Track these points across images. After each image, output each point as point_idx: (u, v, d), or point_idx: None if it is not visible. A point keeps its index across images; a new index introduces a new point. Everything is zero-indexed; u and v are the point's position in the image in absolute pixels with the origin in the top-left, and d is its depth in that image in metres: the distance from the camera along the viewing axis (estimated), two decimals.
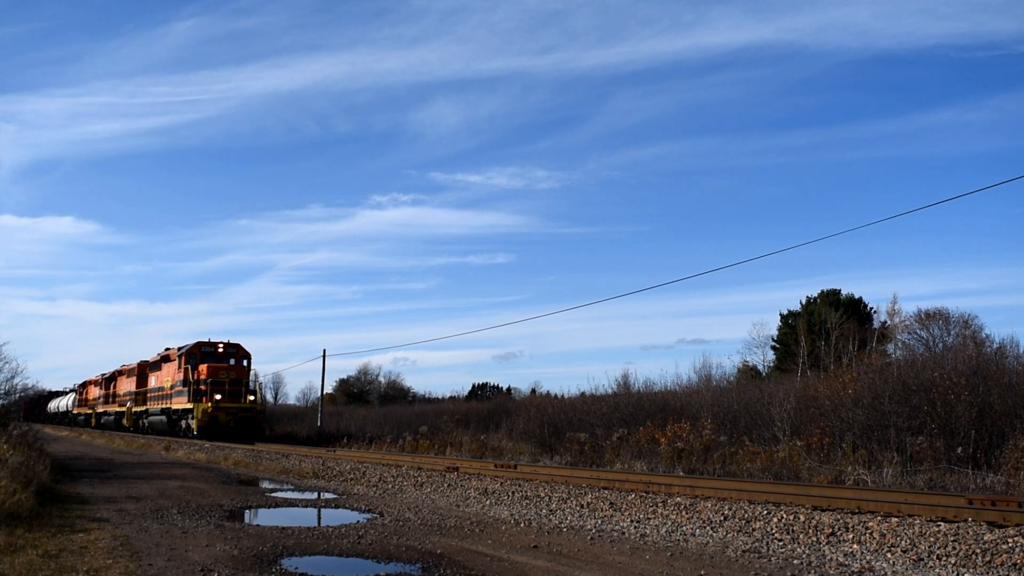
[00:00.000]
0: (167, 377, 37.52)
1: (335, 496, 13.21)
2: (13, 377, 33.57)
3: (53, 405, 73.64)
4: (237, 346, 34.87)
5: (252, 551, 8.02)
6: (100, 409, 51.61)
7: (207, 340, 34.43)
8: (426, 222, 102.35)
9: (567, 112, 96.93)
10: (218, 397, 31.46)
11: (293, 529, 9.65)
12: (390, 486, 14.23)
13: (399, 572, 7.31)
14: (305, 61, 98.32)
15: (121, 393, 47.39)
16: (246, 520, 10.54)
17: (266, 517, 10.92)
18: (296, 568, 7.43)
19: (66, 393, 71.66)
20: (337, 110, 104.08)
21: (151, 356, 42.24)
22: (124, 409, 44.91)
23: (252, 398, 32.90)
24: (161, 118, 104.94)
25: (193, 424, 31.72)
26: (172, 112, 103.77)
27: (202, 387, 32.16)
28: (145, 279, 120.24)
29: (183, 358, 34.33)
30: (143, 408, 41.34)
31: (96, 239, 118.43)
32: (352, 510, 11.46)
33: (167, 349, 38.82)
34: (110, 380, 50.41)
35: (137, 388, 43.29)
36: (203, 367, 32.62)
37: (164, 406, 36.90)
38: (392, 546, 8.37)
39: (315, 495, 13.55)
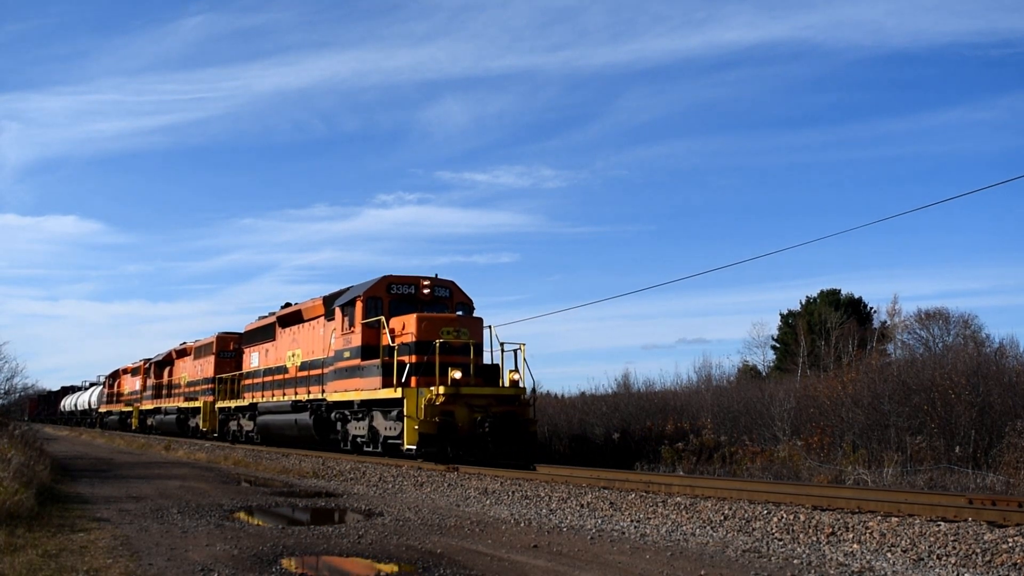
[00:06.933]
0: (294, 348, 23.02)
1: (335, 496, 13.21)
2: (13, 377, 33.60)
3: (68, 403, 63.05)
4: (451, 285, 19.68)
5: (252, 551, 8.03)
6: (147, 406, 39.55)
7: (393, 275, 19.27)
8: (431, 221, 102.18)
9: (576, 110, 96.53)
10: (457, 376, 16.45)
11: (293, 529, 9.65)
12: (390, 486, 14.23)
13: (399, 572, 7.31)
14: (313, 59, 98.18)
15: (184, 383, 34.31)
16: (246, 520, 10.54)
17: (266, 517, 10.92)
18: (296, 568, 7.44)
19: (84, 388, 59.81)
20: (344, 108, 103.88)
21: (244, 325, 27.91)
22: (197, 404, 31.76)
23: (516, 378, 17.49)
24: (167, 116, 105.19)
25: (402, 429, 16.61)
26: (178, 110, 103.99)
27: (409, 358, 17.00)
28: (148, 279, 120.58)
29: (356, 306, 18.90)
30: (236, 403, 27.42)
31: (99, 238, 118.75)
32: (352, 510, 11.45)
33: (287, 304, 24.66)
34: (162, 365, 38.19)
35: (218, 373, 29.87)
36: (407, 320, 17.62)
37: (298, 397, 21.91)
38: (392, 546, 8.37)
39: (315, 495, 13.54)
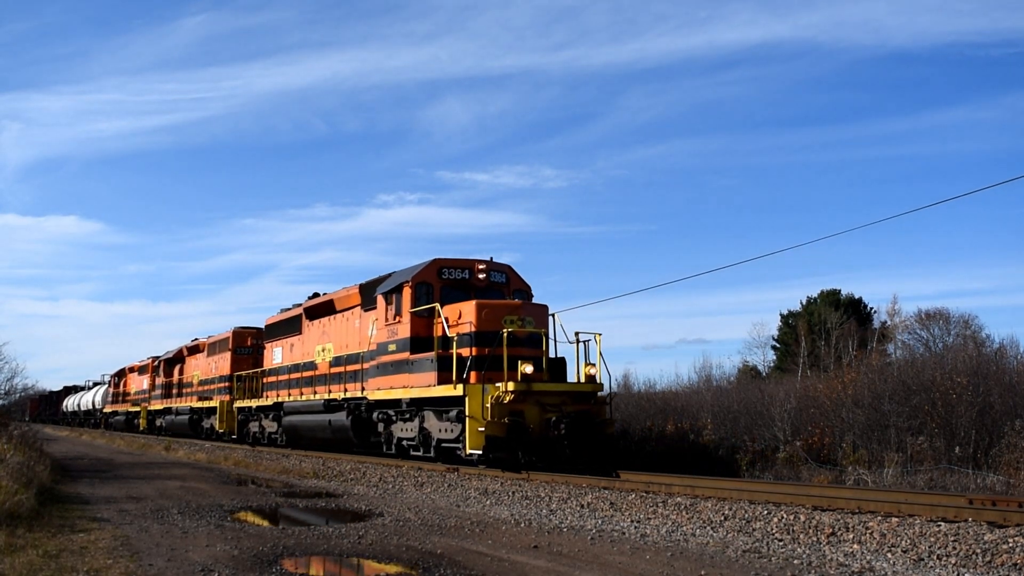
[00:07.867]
0: (324, 342, 21.20)
1: (335, 496, 13.21)
2: (13, 377, 33.57)
3: (71, 403, 61.40)
4: (507, 270, 17.65)
5: (252, 551, 8.03)
6: (156, 406, 38.03)
7: (444, 258, 17.05)
8: (432, 221, 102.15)
9: (577, 110, 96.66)
10: (528, 370, 14.50)
11: (293, 529, 9.65)
12: (390, 486, 14.23)
13: (399, 572, 7.31)
14: (314, 58, 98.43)
15: (196, 381, 32.96)
16: (246, 520, 10.54)
17: (266, 517, 10.92)
18: (296, 568, 7.43)
19: (88, 388, 58.17)
20: (345, 108, 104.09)
21: (269, 316, 25.80)
22: (212, 404, 30.39)
23: (593, 372, 15.53)
24: (168, 116, 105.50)
25: (462, 432, 14.72)
26: (179, 110, 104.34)
27: (470, 350, 15.09)
28: (148, 279, 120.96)
29: (403, 293, 16.77)
30: (257, 402, 25.44)
31: (99, 238, 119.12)
32: (352, 510, 11.45)
33: (315, 295, 22.89)
34: (172, 363, 36.70)
35: (235, 370, 28.44)
36: (464, 308, 15.68)
37: (332, 396, 19.90)
38: (392, 546, 8.37)
39: (316, 495, 13.54)
